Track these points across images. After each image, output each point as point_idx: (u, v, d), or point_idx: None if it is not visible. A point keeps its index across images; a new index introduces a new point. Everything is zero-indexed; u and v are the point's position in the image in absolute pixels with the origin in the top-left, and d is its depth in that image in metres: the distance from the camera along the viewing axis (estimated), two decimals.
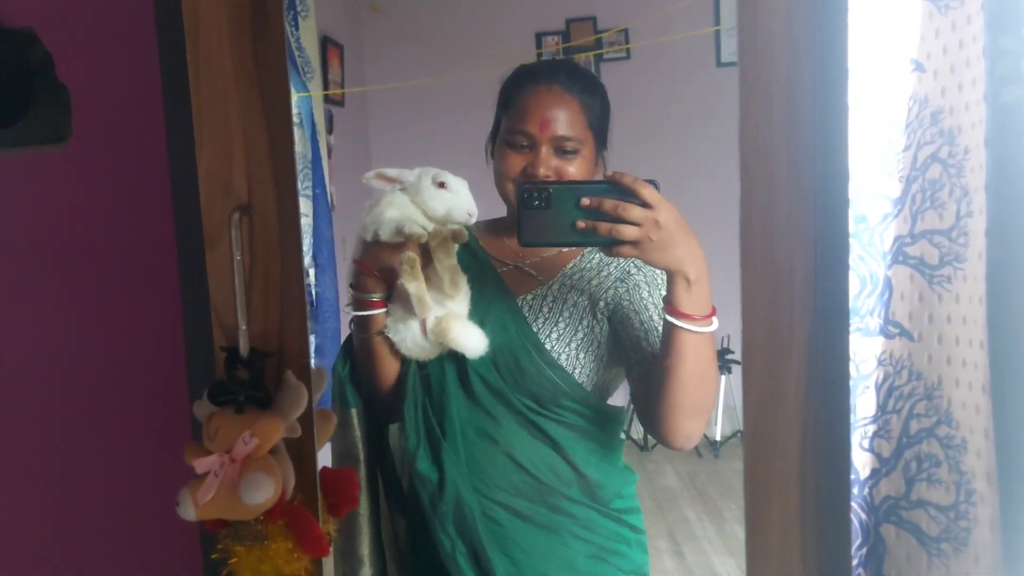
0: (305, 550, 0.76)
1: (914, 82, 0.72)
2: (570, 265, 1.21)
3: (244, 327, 0.74)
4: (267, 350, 0.77)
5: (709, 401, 1.04)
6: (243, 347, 0.75)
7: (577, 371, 1.14)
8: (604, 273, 1.18)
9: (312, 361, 2.65)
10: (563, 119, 1.14)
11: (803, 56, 0.71)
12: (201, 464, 0.71)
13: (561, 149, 1.14)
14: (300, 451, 0.79)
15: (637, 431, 1.32)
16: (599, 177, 1.19)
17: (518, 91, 1.18)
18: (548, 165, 1.13)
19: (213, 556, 0.74)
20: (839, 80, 0.69)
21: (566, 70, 1.17)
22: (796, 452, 0.74)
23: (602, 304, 1.16)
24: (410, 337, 1.09)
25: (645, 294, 1.15)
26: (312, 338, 2.70)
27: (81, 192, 0.79)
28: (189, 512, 0.72)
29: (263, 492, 0.71)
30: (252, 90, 0.75)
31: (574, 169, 1.14)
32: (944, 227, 0.71)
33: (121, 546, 0.83)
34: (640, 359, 1.13)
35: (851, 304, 0.72)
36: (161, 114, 0.78)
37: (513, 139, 1.15)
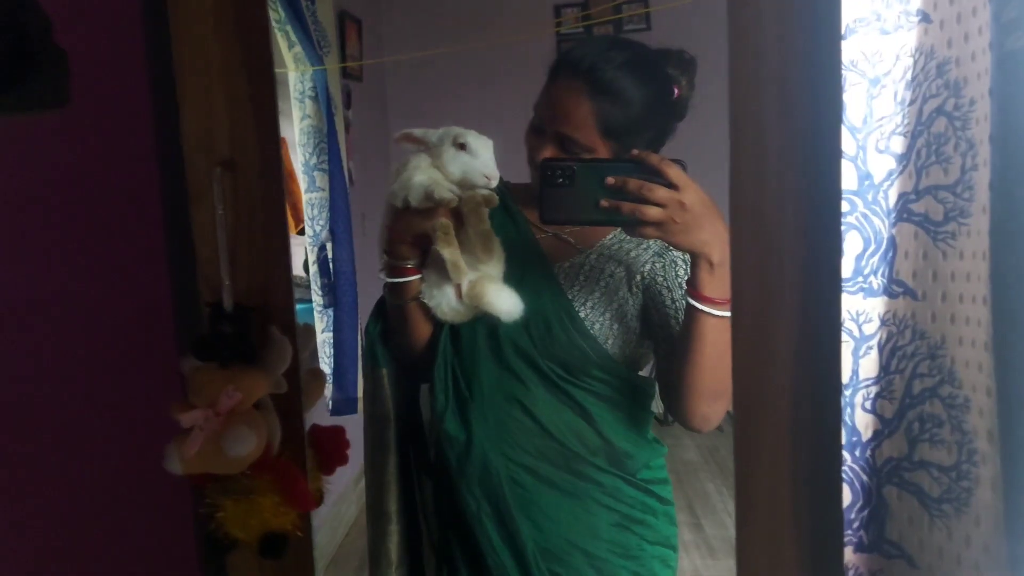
0: (291, 504, 0.76)
1: (920, 34, 0.69)
2: (609, 236, 1.18)
3: (228, 282, 0.74)
4: (252, 305, 0.77)
5: (730, 385, 1.03)
6: (227, 302, 0.75)
7: (609, 342, 1.12)
8: (643, 246, 1.15)
9: (332, 333, 2.64)
10: (571, 120, 1.07)
11: (795, 9, 0.69)
12: (186, 418, 0.71)
13: (565, 149, 1.08)
14: (287, 407, 0.79)
15: (657, 405, 1.30)
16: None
17: (551, 73, 1.13)
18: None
19: (201, 510, 0.75)
20: (833, 33, 0.66)
21: (603, 66, 1.07)
22: (786, 410, 0.72)
23: (638, 278, 1.14)
24: (445, 301, 1.07)
25: (681, 271, 1.12)
26: (331, 311, 2.73)
27: (65, 153, 0.79)
28: (176, 466, 0.73)
29: (246, 445, 0.71)
30: (233, 43, 0.74)
31: None
32: (949, 182, 0.69)
33: (112, 501, 0.84)
34: (667, 337, 1.11)
35: (855, 264, 0.70)
36: (145, 69, 0.78)
37: (534, 119, 1.13)
